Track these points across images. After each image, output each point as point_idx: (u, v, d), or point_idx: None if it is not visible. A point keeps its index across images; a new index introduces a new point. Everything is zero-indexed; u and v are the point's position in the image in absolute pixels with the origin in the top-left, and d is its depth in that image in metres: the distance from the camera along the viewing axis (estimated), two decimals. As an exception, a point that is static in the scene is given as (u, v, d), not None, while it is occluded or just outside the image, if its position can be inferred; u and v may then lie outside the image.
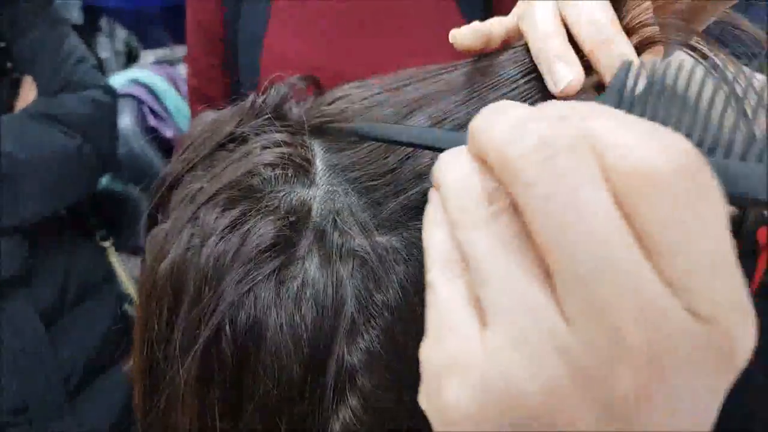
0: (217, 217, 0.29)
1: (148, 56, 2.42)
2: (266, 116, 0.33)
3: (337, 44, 0.85)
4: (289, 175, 0.30)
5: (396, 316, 0.28)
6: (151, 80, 1.52)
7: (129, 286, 1.12)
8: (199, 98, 1.01)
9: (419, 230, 0.29)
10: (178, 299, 0.30)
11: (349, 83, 0.34)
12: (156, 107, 1.46)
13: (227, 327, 0.28)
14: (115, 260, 1.12)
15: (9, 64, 0.97)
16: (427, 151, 0.29)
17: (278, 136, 0.32)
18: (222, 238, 0.29)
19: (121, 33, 2.76)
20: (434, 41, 0.74)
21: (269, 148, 0.31)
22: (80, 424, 1.01)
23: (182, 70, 2.23)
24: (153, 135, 1.42)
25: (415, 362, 0.28)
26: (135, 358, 0.33)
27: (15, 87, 0.98)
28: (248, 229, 0.28)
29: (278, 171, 0.30)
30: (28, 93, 0.98)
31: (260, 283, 0.28)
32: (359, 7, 0.84)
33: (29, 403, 0.96)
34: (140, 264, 0.34)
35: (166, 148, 1.45)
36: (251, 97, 0.35)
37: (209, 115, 0.34)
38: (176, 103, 1.56)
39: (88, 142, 1.00)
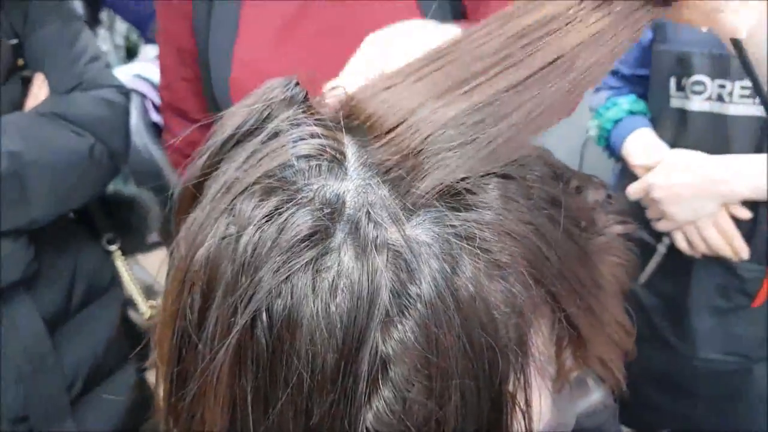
0: (254, 207, 0.30)
1: (149, 51, 2.41)
2: (300, 109, 0.33)
3: (307, 51, 0.85)
4: (323, 167, 0.31)
5: (429, 308, 0.28)
6: (153, 75, 1.51)
7: (134, 292, 1.11)
8: (172, 111, 1.00)
9: (449, 218, 0.30)
10: (212, 288, 0.30)
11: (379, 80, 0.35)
12: (158, 102, 1.46)
13: (264, 315, 0.28)
14: (121, 265, 1.11)
15: (21, 61, 0.95)
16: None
17: (314, 129, 0.32)
18: (259, 228, 0.29)
19: (122, 26, 2.75)
20: None
21: (305, 139, 0.32)
22: (82, 431, 1.01)
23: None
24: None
25: (445, 355, 0.29)
26: (162, 348, 0.34)
27: (26, 84, 0.96)
28: (285, 220, 0.29)
29: (313, 163, 0.31)
30: (39, 91, 0.96)
31: (297, 272, 0.28)
32: (332, 12, 0.84)
33: (31, 410, 0.95)
34: (152, 272, 0.34)
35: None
36: (276, 86, 0.35)
37: (239, 107, 0.35)
38: (178, 98, 1.56)
39: (100, 143, 0.98)
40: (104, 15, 2.69)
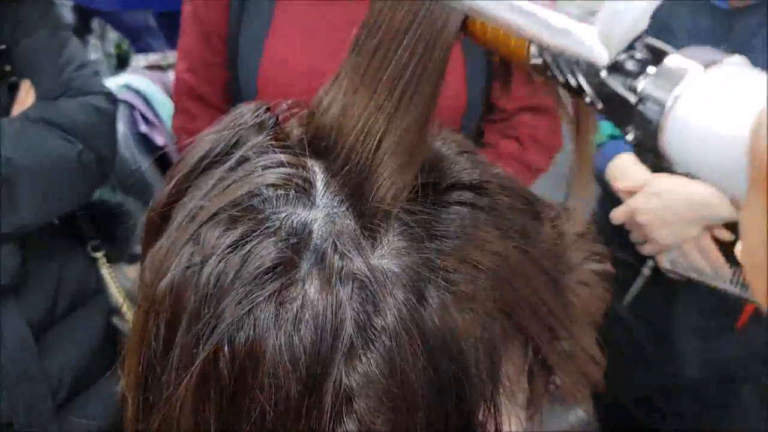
0: (218, 237, 0.30)
1: (140, 60, 2.41)
2: (268, 136, 0.33)
3: (339, 53, 0.86)
4: (291, 196, 0.31)
5: (394, 341, 0.28)
6: (143, 86, 1.51)
7: (119, 298, 1.10)
8: (191, 96, 1.01)
9: (415, 248, 0.30)
10: (176, 317, 0.30)
11: (322, 90, 0.34)
12: (147, 113, 1.46)
13: (226, 347, 0.28)
14: (106, 271, 1.10)
15: (8, 67, 0.95)
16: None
17: (280, 157, 0.32)
18: (223, 258, 0.29)
19: (113, 36, 2.76)
20: None
21: (272, 168, 0.31)
22: (67, 438, 0.99)
23: (173, 75, 2.22)
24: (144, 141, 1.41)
25: (411, 387, 0.28)
26: (129, 374, 0.33)
27: (13, 90, 0.96)
28: (249, 250, 0.29)
29: (280, 191, 0.31)
30: (25, 97, 0.96)
31: (260, 304, 0.28)
32: (363, 14, 0.85)
33: (15, 417, 0.94)
34: (137, 280, 0.34)
35: (156, 154, 1.45)
36: (246, 112, 0.35)
37: (208, 133, 0.35)
38: (167, 109, 1.56)
39: (88, 149, 0.98)
40: (95, 24, 2.70)
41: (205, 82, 0.99)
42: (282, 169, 0.31)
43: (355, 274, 0.29)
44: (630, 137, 0.27)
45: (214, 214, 0.30)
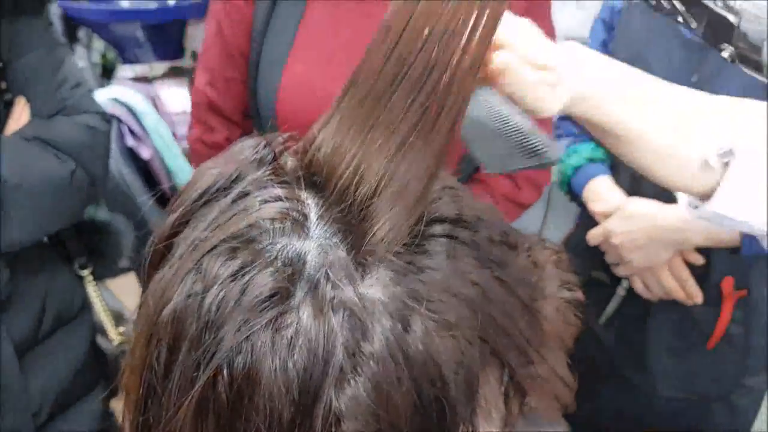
0: (219, 267, 0.31)
1: (126, 71, 2.41)
2: (266, 171, 0.36)
3: None
4: (287, 228, 0.33)
5: (381, 366, 0.30)
6: (130, 100, 1.52)
7: (104, 318, 1.10)
8: (210, 109, 1.03)
9: (401, 279, 0.32)
10: (178, 342, 0.32)
11: (315, 127, 0.37)
12: (134, 127, 1.47)
13: (225, 371, 0.30)
14: (92, 290, 1.10)
15: (3, 85, 0.95)
16: None
17: (277, 191, 0.34)
18: (224, 287, 0.31)
19: (99, 44, 2.75)
20: None
21: (270, 202, 0.34)
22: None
23: (159, 87, 2.23)
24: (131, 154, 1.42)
25: (396, 409, 0.31)
26: (129, 395, 0.35)
27: (7, 107, 0.96)
28: (248, 280, 0.31)
29: (277, 224, 0.33)
30: (20, 114, 0.96)
31: (258, 331, 0.30)
32: None
33: (-4, 436, 0.93)
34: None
35: (142, 167, 1.46)
36: (245, 148, 0.37)
37: (210, 167, 0.37)
38: (154, 122, 1.57)
39: (81, 168, 0.99)
40: (82, 33, 2.70)
41: (224, 97, 1.02)
42: (279, 204, 0.33)
43: (346, 302, 0.31)
44: (726, 54, 0.28)
45: (216, 246, 0.32)
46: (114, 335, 1.11)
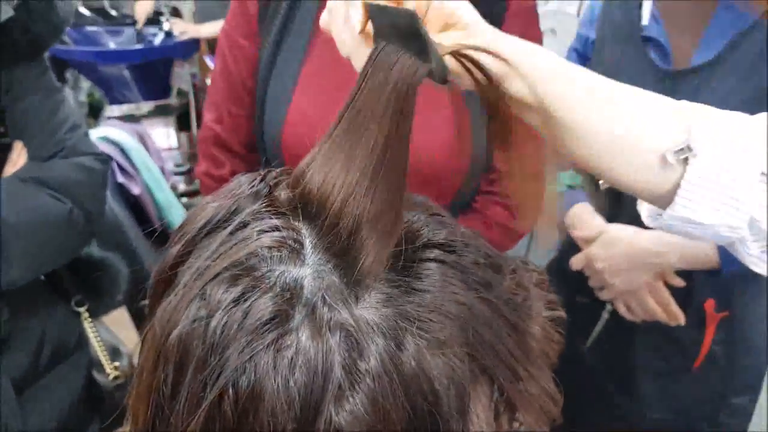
0: (222, 293, 0.34)
1: (113, 111, 2.44)
2: (263, 203, 0.38)
3: None
4: (284, 255, 0.35)
5: (377, 382, 0.32)
6: (120, 138, 1.55)
7: (99, 353, 1.10)
8: (216, 144, 1.06)
9: (394, 301, 0.34)
10: (185, 364, 0.33)
11: (304, 162, 0.39)
12: (124, 164, 1.49)
13: (230, 390, 0.32)
14: (89, 326, 1.11)
15: (1, 129, 0.97)
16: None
17: (274, 222, 0.36)
18: (227, 312, 0.33)
19: (86, 85, 2.79)
20: (440, 120, 0.88)
21: (267, 232, 0.36)
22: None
23: (147, 126, 2.26)
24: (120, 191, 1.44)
25: (392, 424, 0.33)
26: (138, 416, 0.37)
27: (5, 151, 0.98)
28: (250, 305, 0.33)
29: (274, 252, 0.35)
30: (17, 158, 0.98)
31: (260, 352, 0.32)
32: None
33: (-6, 474, 0.93)
34: (143, 332, 0.38)
35: (132, 204, 1.47)
36: (243, 182, 0.40)
37: (210, 201, 0.39)
38: (143, 160, 1.59)
39: (77, 208, 1.00)
40: (69, 74, 2.73)
41: (230, 132, 1.05)
42: (276, 233, 0.36)
43: (342, 323, 0.33)
44: None
45: (218, 273, 0.34)
46: (110, 370, 1.11)
